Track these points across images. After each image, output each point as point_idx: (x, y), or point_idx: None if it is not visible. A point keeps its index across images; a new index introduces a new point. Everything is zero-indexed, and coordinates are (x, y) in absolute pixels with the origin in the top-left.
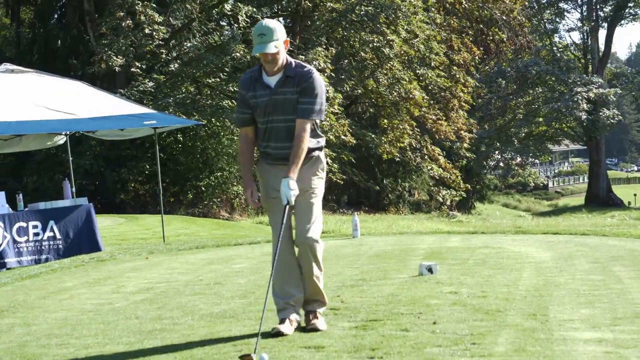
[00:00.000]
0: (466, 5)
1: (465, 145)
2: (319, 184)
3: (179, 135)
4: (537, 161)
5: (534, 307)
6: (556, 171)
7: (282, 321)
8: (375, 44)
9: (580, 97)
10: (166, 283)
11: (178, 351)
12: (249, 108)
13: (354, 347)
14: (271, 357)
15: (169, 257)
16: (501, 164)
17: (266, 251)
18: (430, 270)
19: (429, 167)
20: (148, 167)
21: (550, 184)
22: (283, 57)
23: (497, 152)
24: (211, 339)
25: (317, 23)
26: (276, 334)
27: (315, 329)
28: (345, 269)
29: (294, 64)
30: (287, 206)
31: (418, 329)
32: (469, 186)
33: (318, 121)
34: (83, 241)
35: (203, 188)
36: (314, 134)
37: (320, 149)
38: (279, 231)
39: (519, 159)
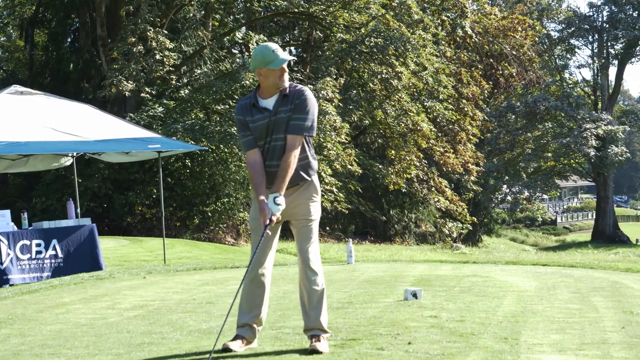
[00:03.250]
0: (476, 39)
1: (473, 178)
2: (314, 209)
3: (187, 161)
4: (545, 196)
5: (507, 332)
6: (565, 207)
7: (235, 337)
8: (384, 75)
9: (589, 134)
10: (160, 301)
11: None
12: (249, 130)
13: None
14: None
15: (166, 277)
16: (509, 197)
17: None
18: (415, 295)
19: (436, 199)
20: (155, 191)
21: (559, 220)
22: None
23: (505, 185)
24: (195, 352)
25: (327, 53)
26: (225, 349)
27: (315, 350)
28: (335, 292)
29: (288, 85)
30: (267, 228)
31: (393, 348)
32: (475, 219)
33: (312, 148)
34: (84, 260)
35: (209, 213)
36: (306, 158)
37: (313, 173)
38: (261, 253)
39: (526, 193)
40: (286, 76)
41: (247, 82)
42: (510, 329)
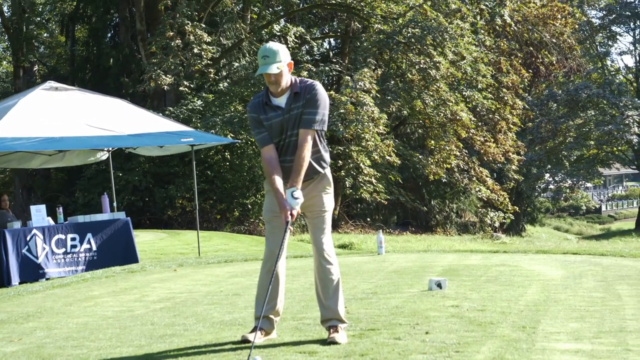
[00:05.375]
0: (516, 28)
1: (514, 167)
2: (328, 201)
3: (226, 154)
4: (589, 184)
5: (527, 321)
6: (610, 195)
7: (254, 329)
8: (422, 66)
9: (631, 121)
10: (187, 293)
11: (182, 353)
12: (264, 127)
13: (345, 353)
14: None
15: (197, 270)
16: (551, 186)
17: (290, 266)
18: (439, 285)
19: (477, 189)
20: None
21: (604, 208)
22: (287, 79)
23: (547, 174)
24: (216, 343)
25: (365, 44)
26: (244, 341)
27: (334, 342)
28: (361, 283)
29: (299, 81)
30: (288, 224)
31: (410, 337)
32: (517, 208)
33: (324, 140)
34: (119, 253)
35: (249, 206)
36: (318, 152)
37: (326, 165)
38: (276, 245)
39: (569, 182)
40: (284, 79)
41: None
42: (530, 317)
